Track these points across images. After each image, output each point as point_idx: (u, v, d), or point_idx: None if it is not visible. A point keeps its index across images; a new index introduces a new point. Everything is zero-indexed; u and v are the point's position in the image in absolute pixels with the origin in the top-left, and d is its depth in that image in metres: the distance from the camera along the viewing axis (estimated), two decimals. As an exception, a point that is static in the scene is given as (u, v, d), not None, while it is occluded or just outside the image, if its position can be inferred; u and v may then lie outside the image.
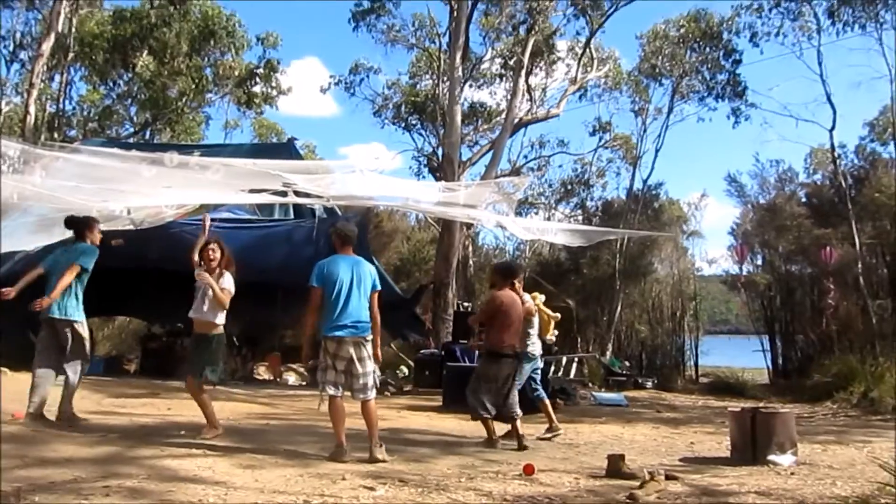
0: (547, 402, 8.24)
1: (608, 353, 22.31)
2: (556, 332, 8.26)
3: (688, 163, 68.32)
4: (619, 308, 23.36)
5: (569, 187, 28.50)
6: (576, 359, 19.33)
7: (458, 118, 18.28)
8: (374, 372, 5.99)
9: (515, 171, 24.97)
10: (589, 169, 28.19)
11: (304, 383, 16.49)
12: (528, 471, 5.39)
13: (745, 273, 23.04)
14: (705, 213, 53.83)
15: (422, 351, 15.03)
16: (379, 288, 6.03)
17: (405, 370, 16.77)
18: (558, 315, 8.79)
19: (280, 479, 4.68)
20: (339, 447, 5.68)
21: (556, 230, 14.90)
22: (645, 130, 25.39)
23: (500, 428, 7.19)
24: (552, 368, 16.31)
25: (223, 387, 12.83)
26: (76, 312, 6.82)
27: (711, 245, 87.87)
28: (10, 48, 25.68)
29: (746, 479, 5.32)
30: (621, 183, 27.96)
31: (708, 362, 25.00)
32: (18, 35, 25.57)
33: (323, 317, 5.82)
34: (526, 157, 28.21)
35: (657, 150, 24.49)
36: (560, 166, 29.03)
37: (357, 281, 5.83)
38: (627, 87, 25.45)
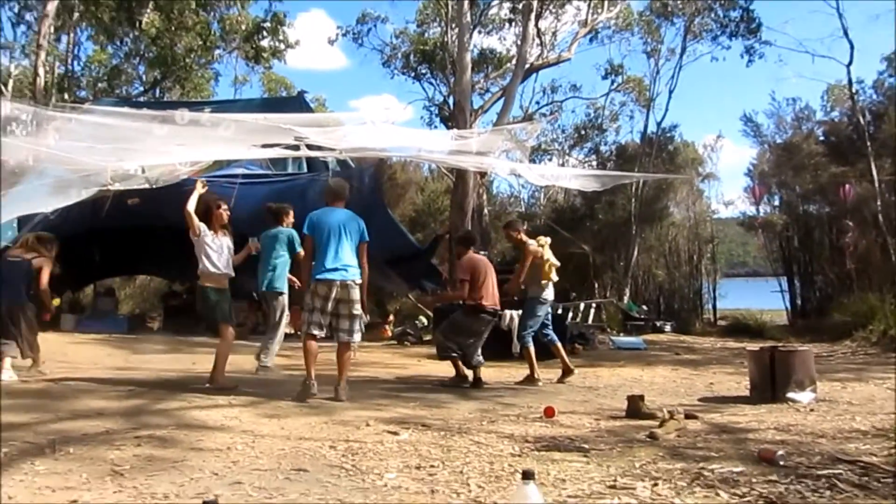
0: (559, 345, 8.33)
1: (626, 298, 22.35)
2: (556, 278, 8.29)
3: (702, 104, 67.32)
4: (635, 253, 23.30)
5: (582, 132, 28.23)
6: (593, 304, 19.41)
7: (469, 65, 18.03)
8: (360, 318, 6.18)
9: (528, 118, 24.71)
10: (602, 113, 27.89)
11: (324, 335, 16.71)
12: (549, 413, 5.45)
13: (762, 214, 22.87)
14: (721, 155, 53.46)
15: (440, 300, 15.11)
16: (367, 240, 6.28)
17: (424, 320, 16.90)
18: (557, 263, 8.75)
19: (305, 426, 4.77)
20: (305, 384, 5.95)
21: (570, 176, 14.79)
22: (658, 72, 25.00)
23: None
24: (570, 314, 16.41)
25: (245, 341, 13.06)
26: (283, 286, 7.94)
27: (728, 187, 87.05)
28: (16, 10, 25.49)
29: (766, 417, 5.36)
30: (635, 126, 27.70)
31: (726, 305, 25.02)
32: (23, -4, 25.37)
33: (314, 263, 6.09)
34: (538, 102, 27.93)
35: (671, 92, 24.13)
36: (573, 111, 28.85)
37: (345, 230, 6.11)
38: (639, 27, 24.97)
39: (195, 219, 6.63)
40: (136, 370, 8.33)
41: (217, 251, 6.65)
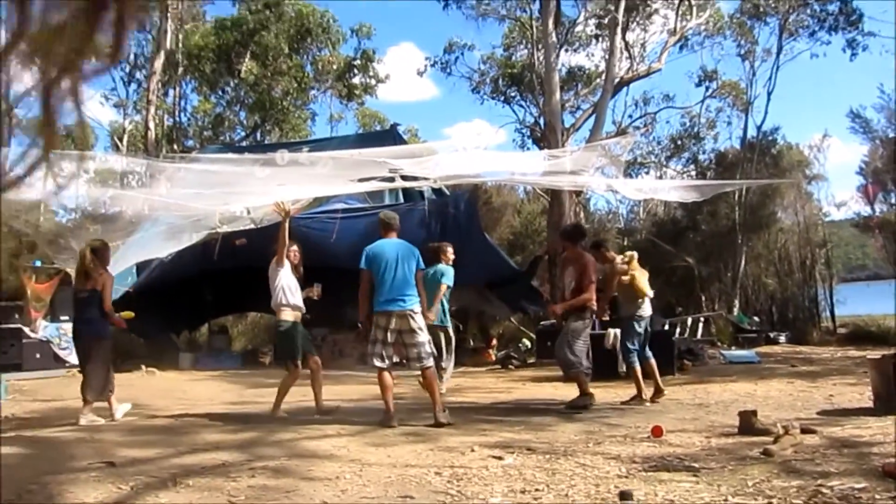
0: (639, 369, 7.98)
1: (735, 310, 21.54)
2: (651, 292, 8.12)
3: (804, 103, 64.44)
4: (742, 262, 22.46)
5: (678, 142, 27.58)
6: (701, 318, 18.80)
7: (557, 85, 18.02)
8: (427, 342, 6.25)
9: (621, 132, 24.38)
10: (698, 121, 27.18)
11: (389, 365, 16.86)
12: (657, 433, 5.32)
13: (878, 213, 21.63)
14: (828, 155, 50.71)
15: (542, 322, 15.02)
16: (422, 267, 6.46)
17: (527, 343, 16.82)
18: (646, 273, 8.55)
19: (411, 453, 4.83)
20: (386, 414, 6.08)
21: (668, 188, 14.49)
22: (754, 74, 24.18)
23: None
24: (677, 330, 15.97)
25: (352, 371, 13.34)
26: (445, 320, 8.54)
27: (838, 187, 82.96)
28: (127, 70, 27.28)
29: (891, 429, 5.05)
30: (733, 132, 26.81)
31: (846, 311, 23.65)
32: (133, 56, 27.13)
33: (374, 295, 6.22)
34: (630, 116, 27.53)
35: (769, 94, 23.25)
36: (667, 122, 28.25)
37: (401, 259, 6.23)
38: (731, 30, 24.28)
39: (285, 249, 6.86)
40: (250, 404, 8.64)
41: (293, 286, 6.98)
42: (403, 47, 64.13)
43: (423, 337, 6.20)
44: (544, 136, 19.57)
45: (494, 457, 4.61)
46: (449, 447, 5.04)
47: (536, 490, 3.69)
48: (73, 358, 13.25)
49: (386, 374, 6.20)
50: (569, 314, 7.36)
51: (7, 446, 5.23)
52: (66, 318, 13.40)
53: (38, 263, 15.58)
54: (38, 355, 12.92)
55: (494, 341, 17.73)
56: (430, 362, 6.22)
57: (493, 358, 16.09)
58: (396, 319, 6.13)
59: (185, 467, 4.36)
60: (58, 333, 13.23)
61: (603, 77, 21.63)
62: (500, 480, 3.94)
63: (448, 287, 8.43)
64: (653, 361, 8.06)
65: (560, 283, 7.71)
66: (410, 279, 6.22)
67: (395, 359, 6.51)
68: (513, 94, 25.74)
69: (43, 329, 13.34)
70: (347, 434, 5.64)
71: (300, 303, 7.01)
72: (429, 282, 8.23)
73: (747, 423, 5.30)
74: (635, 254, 8.43)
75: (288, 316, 6.89)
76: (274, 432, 5.87)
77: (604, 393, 8.49)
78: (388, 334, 6.15)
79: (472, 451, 4.87)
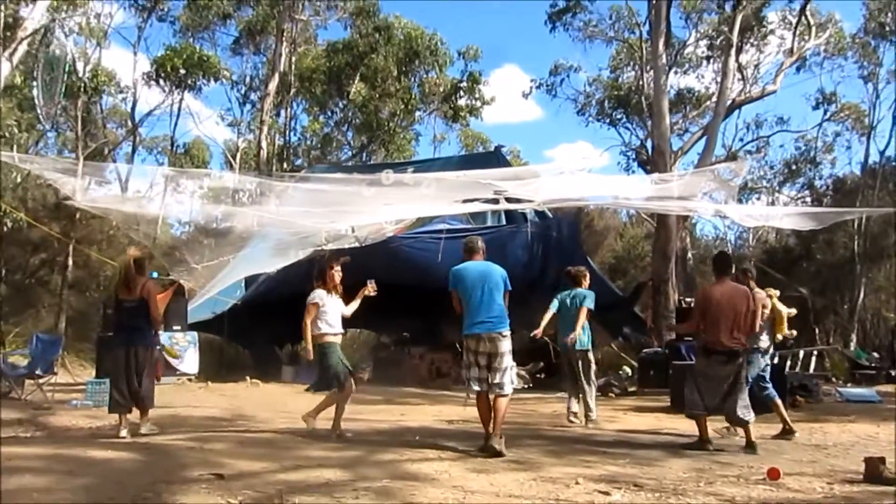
0: (779, 401, 7.60)
1: (852, 345, 20.35)
2: (794, 332, 7.71)
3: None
4: (861, 294, 21.23)
5: (793, 167, 26.47)
6: (815, 352, 17.84)
7: (666, 108, 17.60)
8: (510, 368, 6.08)
9: (732, 157, 23.64)
10: (814, 146, 26.01)
11: (526, 386, 16.67)
12: (773, 475, 5.02)
13: None
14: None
15: (645, 350, 14.59)
16: (510, 288, 6.23)
17: (628, 370, 16.37)
18: (793, 310, 8.16)
19: (513, 483, 4.72)
20: (488, 438, 5.91)
21: (781, 214, 13.89)
22: (878, 97, 23.02)
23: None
24: (788, 363, 15.19)
25: (449, 391, 13.32)
26: (588, 343, 8.54)
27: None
28: (242, 91, 28.49)
29: None
30: (854, 157, 25.72)
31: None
32: (248, 79, 28.33)
33: (463, 318, 6.12)
34: (742, 139, 26.66)
35: (895, 117, 22.02)
36: (781, 146, 27.15)
37: (487, 281, 6.09)
38: (852, 51, 23.19)
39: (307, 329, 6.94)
40: (349, 421, 8.71)
41: (328, 312, 7.00)
42: (507, 69, 64.34)
43: (508, 362, 6.06)
44: (651, 159, 19.16)
45: (601, 492, 4.44)
46: (552, 478, 4.90)
47: (648, 531, 3.52)
48: (183, 366, 13.82)
49: (481, 399, 6.08)
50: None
51: (124, 451, 5.44)
52: (178, 327, 13.98)
53: (155, 275, 16.33)
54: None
55: (595, 368, 17.36)
56: (508, 390, 6.05)
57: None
58: (485, 342, 6.02)
59: (291, 484, 4.40)
60: (170, 342, 13.75)
61: (713, 99, 21.05)
62: (608, 518, 3.79)
63: (590, 310, 8.37)
64: (778, 400, 7.63)
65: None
66: (497, 300, 6.08)
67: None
68: (619, 117, 25.40)
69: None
70: (448, 459, 5.58)
71: (337, 328, 7.14)
72: (568, 306, 8.34)
73: (874, 471, 4.93)
74: (778, 292, 8.18)
75: (324, 342, 6.97)
76: (375, 451, 5.88)
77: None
78: (479, 357, 6.04)
79: (577, 483, 4.72)
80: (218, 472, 4.65)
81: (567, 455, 5.97)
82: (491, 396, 6.01)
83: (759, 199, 26.57)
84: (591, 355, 8.65)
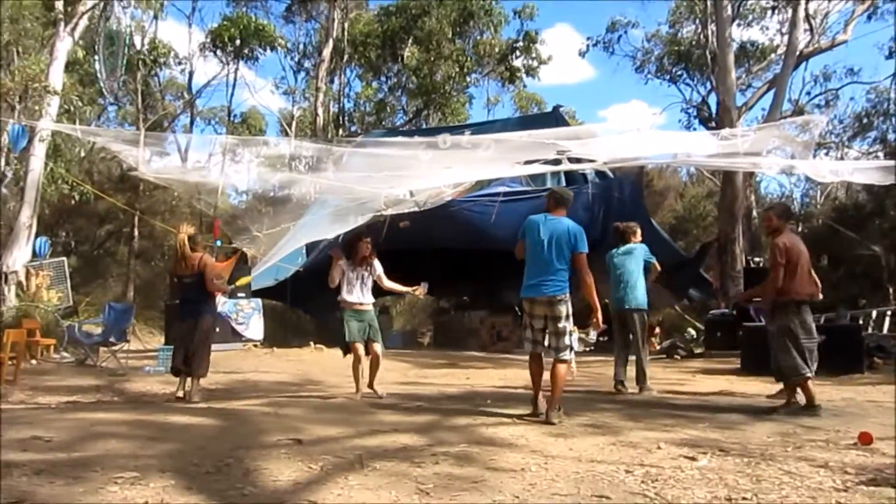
0: None
1: (929, 303, 19.58)
2: None
3: None
4: (939, 251, 20.38)
5: (864, 121, 25.35)
6: (888, 312, 17.24)
7: (731, 60, 16.98)
8: (569, 333, 5.76)
9: (799, 111, 22.76)
10: (887, 97, 24.83)
11: (587, 349, 16.51)
12: (865, 440, 4.80)
13: None
14: None
15: (712, 312, 14.28)
16: (583, 250, 5.71)
17: (693, 332, 16.10)
18: None
19: (593, 447, 4.62)
20: (534, 402, 5.80)
21: (852, 169, 13.32)
22: (958, 43, 21.75)
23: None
24: (862, 323, 14.72)
25: (511, 355, 13.27)
26: (644, 302, 7.97)
27: None
28: (296, 59, 28.52)
29: None
30: (930, 109, 24.32)
31: None
32: (301, 46, 28.34)
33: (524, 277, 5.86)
34: (809, 93, 25.61)
35: (975, 65, 20.87)
36: (851, 98, 26.02)
37: (553, 242, 5.69)
38: (930, -4, 21.89)
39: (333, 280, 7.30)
40: (417, 385, 8.74)
41: (352, 282, 7.31)
42: (559, 29, 63.13)
43: (567, 326, 5.72)
44: (714, 115, 18.58)
45: (686, 457, 4.30)
46: (632, 442, 4.78)
47: (743, 499, 3.37)
48: (249, 333, 14.04)
49: (534, 362, 5.90)
50: (772, 311, 6.53)
51: (202, 417, 5.51)
52: (243, 294, 14.18)
53: (219, 243, 16.58)
54: (217, 329, 13.76)
55: (657, 330, 17.11)
56: (566, 356, 5.71)
57: (657, 347, 15.52)
58: (538, 306, 5.75)
59: (368, 449, 4.37)
60: (235, 309, 13.97)
61: (779, 52, 20.25)
62: (699, 484, 3.65)
63: (648, 266, 8.03)
64: None
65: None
66: (560, 262, 5.68)
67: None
68: (679, 73, 24.68)
69: (222, 305, 14.14)
70: (523, 423, 5.50)
71: (360, 297, 7.37)
72: (616, 263, 7.97)
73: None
74: None
75: (347, 308, 7.30)
76: (448, 416, 5.83)
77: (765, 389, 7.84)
78: (534, 320, 5.80)
79: (659, 448, 4.58)
80: (296, 438, 4.65)
81: (645, 419, 5.82)
82: (549, 360, 5.78)
83: (826, 154, 25.57)
84: (646, 315, 8.09)
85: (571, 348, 5.78)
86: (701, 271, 16.05)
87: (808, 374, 6.25)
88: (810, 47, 20.20)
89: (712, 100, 20.80)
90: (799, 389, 6.38)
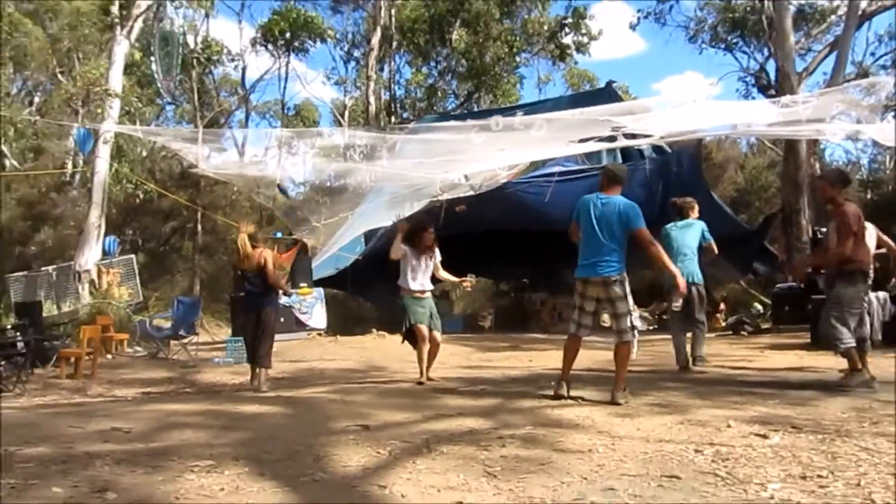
0: None
1: None
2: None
3: None
4: None
5: (934, 80, 24.22)
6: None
7: (790, 25, 16.42)
8: (629, 314, 5.62)
9: (863, 73, 21.85)
10: (960, 56, 23.70)
11: (651, 327, 16.30)
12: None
13: None
14: None
15: (778, 285, 13.92)
16: (639, 226, 5.55)
17: (759, 307, 15.74)
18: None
19: (661, 427, 4.57)
20: (559, 381, 5.75)
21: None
22: None
23: None
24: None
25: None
26: (701, 277, 7.88)
27: None
28: (346, 49, 28.71)
29: None
30: None
31: None
32: (350, 36, 28.52)
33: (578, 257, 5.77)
34: (873, 54, 24.56)
35: None
36: (920, 57, 24.72)
37: (606, 221, 5.56)
38: None
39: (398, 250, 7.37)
40: (480, 369, 8.77)
41: (415, 269, 7.37)
42: (607, 3, 61.94)
43: (626, 307, 5.59)
44: (773, 83, 18.03)
45: (757, 434, 4.22)
46: (701, 421, 4.71)
47: (819, 476, 3.30)
48: (312, 322, 14.29)
49: (572, 341, 5.82)
50: (835, 278, 6.31)
51: (271, 406, 5.64)
52: (304, 284, 14.42)
53: (279, 235, 16.87)
54: (281, 319, 14.03)
55: (723, 305, 16.78)
56: (628, 337, 5.59)
57: (722, 323, 15.23)
58: (592, 287, 5.64)
59: (435, 433, 4.42)
60: (298, 300, 14.21)
61: (840, 12, 19.48)
62: (771, 463, 3.58)
63: (706, 242, 7.88)
64: None
65: (825, 240, 6.63)
66: (612, 243, 5.55)
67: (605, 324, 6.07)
68: (734, 41, 23.93)
69: (286, 299, 14.44)
70: (588, 404, 5.47)
71: (422, 285, 7.45)
72: (673, 238, 7.78)
73: None
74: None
75: (408, 295, 7.38)
76: (513, 399, 5.84)
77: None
78: (586, 302, 5.69)
79: (729, 426, 4.50)
80: (363, 424, 4.73)
81: (712, 396, 5.73)
82: (613, 342, 5.73)
83: (895, 117, 24.56)
84: (703, 290, 7.91)
85: (633, 328, 5.66)
86: (765, 244, 15.65)
87: (852, 345, 6.09)
88: (873, 5, 19.33)
89: (770, 67, 20.13)
90: (847, 359, 6.22)
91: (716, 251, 8.00)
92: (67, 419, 5.02)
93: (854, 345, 6.13)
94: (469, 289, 7.84)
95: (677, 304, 7.57)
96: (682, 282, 6.11)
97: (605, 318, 5.82)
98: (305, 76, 50.51)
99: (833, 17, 22.23)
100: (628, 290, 5.65)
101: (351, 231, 14.62)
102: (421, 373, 7.21)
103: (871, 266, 6.68)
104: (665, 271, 7.32)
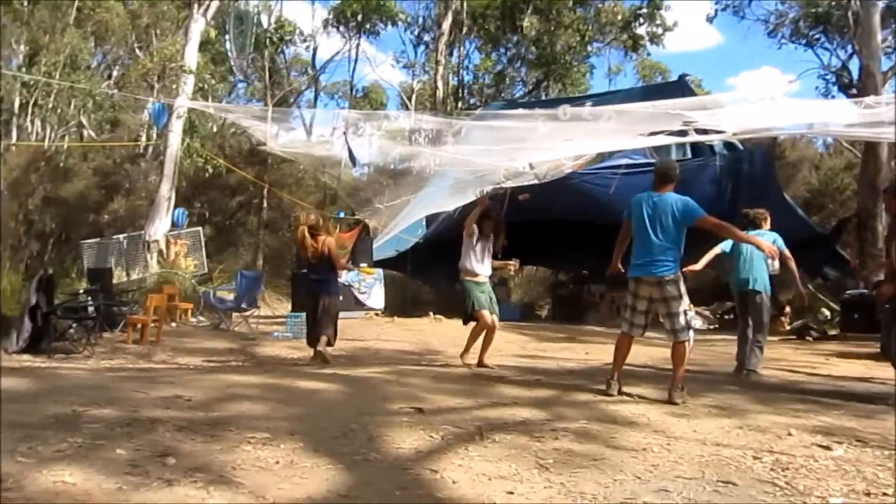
0: None
1: None
2: None
3: None
4: None
5: None
6: None
7: (877, 21, 15.76)
8: (684, 313, 5.51)
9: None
10: None
11: (711, 326, 15.98)
12: None
13: None
14: None
15: (848, 291, 13.47)
16: (699, 214, 5.51)
17: (827, 313, 15.26)
18: None
19: (718, 430, 4.48)
20: (608, 379, 5.65)
21: None
22: None
23: None
24: None
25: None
26: (768, 286, 7.62)
27: None
28: (416, 33, 28.75)
29: None
30: None
31: None
32: (421, 20, 28.54)
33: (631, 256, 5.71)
34: (968, 51, 23.39)
35: None
36: None
37: (661, 219, 5.48)
38: None
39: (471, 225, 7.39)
40: (535, 359, 8.75)
41: (478, 253, 7.39)
42: (682, -7, 60.53)
43: (680, 306, 5.49)
44: (852, 83, 17.39)
45: (820, 445, 4.10)
46: (760, 427, 4.59)
47: (884, 494, 3.19)
48: (370, 302, 14.44)
49: (623, 340, 5.76)
50: None
51: (329, 383, 5.72)
52: (365, 264, 14.57)
53: (342, 214, 17.08)
54: (340, 298, 14.23)
55: (788, 309, 16.31)
56: (684, 336, 5.52)
57: (787, 327, 14.82)
58: (645, 287, 5.57)
59: (489, 421, 4.42)
60: (358, 279, 14.38)
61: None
62: (833, 476, 3.47)
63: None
64: None
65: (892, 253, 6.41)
66: (665, 242, 5.47)
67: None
68: (816, 37, 23.06)
69: (345, 275, 14.60)
70: (645, 402, 5.40)
71: (484, 269, 7.49)
72: (743, 249, 7.52)
73: None
74: None
75: (470, 278, 7.41)
76: (568, 391, 5.80)
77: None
78: (638, 301, 5.64)
79: (790, 434, 4.39)
80: (417, 406, 4.76)
81: (773, 402, 5.59)
82: (670, 342, 5.66)
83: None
84: (766, 298, 7.60)
85: (689, 327, 5.60)
86: (837, 248, 15.14)
87: None
88: (969, 4, 18.50)
89: (854, 65, 19.45)
90: None
91: (791, 260, 7.69)
92: (132, 383, 5.18)
93: None
94: (513, 273, 7.89)
95: (775, 268, 7.41)
96: (764, 243, 6.14)
97: (660, 317, 5.72)
98: (375, 59, 50.76)
99: (924, 13, 21.27)
100: (683, 289, 5.58)
101: (413, 214, 14.70)
102: (466, 352, 7.44)
103: None
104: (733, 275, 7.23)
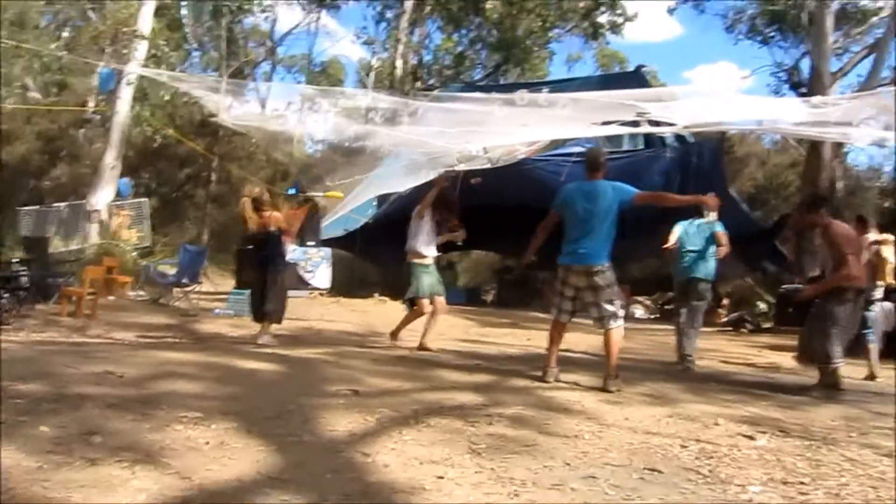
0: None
1: None
2: None
3: None
4: None
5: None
6: None
7: (830, 24, 16.13)
8: (613, 301, 5.62)
9: (901, 78, 21.47)
10: None
11: (652, 316, 16.29)
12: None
13: None
14: None
15: (785, 286, 13.85)
16: (633, 191, 5.66)
17: (763, 306, 15.68)
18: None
19: (649, 418, 4.57)
20: (544, 367, 5.73)
21: None
22: None
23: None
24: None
25: (574, 318, 13.20)
26: (713, 275, 7.70)
27: None
28: (378, 9, 28.41)
29: None
30: None
31: None
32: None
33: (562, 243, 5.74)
34: (913, 59, 24.09)
35: None
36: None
37: (592, 207, 5.55)
38: None
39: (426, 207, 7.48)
40: (478, 343, 8.81)
41: (428, 234, 7.47)
42: (645, -16, 60.97)
43: (608, 296, 5.57)
44: (801, 82, 17.77)
45: (744, 435, 4.22)
46: (690, 416, 4.71)
47: (801, 483, 3.29)
48: (315, 281, 14.32)
49: (556, 328, 5.83)
50: (831, 295, 6.20)
51: (267, 363, 5.67)
52: (312, 243, 14.44)
53: (293, 192, 16.87)
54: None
55: (725, 301, 16.72)
56: (614, 323, 5.57)
57: (723, 318, 15.20)
58: (574, 275, 5.63)
59: (425, 405, 4.44)
60: (304, 257, 14.23)
61: (884, 14, 19.09)
62: (755, 465, 3.58)
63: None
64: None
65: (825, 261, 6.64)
66: (601, 228, 5.53)
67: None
68: (772, 35, 23.48)
69: (291, 252, 14.43)
70: (580, 389, 5.48)
71: (431, 250, 7.58)
72: (689, 235, 7.61)
73: None
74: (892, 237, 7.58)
75: (417, 260, 7.49)
76: (506, 377, 5.87)
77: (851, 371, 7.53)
78: (566, 288, 5.70)
79: (717, 424, 4.50)
80: (354, 389, 4.76)
81: (704, 392, 5.73)
82: (600, 330, 5.70)
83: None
84: (708, 287, 7.72)
85: (617, 315, 5.65)
86: (777, 244, 15.54)
87: (840, 364, 6.15)
88: (918, 9, 19.00)
89: (805, 64, 19.89)
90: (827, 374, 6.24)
91: (725, 245, 7.81)
92: (63, 358, 5.07)
93: (842, 364, 6.18)
94: (459, 241, 7.93)
95: (711, 216, 7.54)
96: (706, 198, 6.53)
97: (587, 306, 5.75)
98: (336, 33, 50.16)
99: (875, 18, 21.80)
100: (613, 278, 5.64)
101: (364, 193, 14.60)
102: (397, 330, 7.70)
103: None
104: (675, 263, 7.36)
